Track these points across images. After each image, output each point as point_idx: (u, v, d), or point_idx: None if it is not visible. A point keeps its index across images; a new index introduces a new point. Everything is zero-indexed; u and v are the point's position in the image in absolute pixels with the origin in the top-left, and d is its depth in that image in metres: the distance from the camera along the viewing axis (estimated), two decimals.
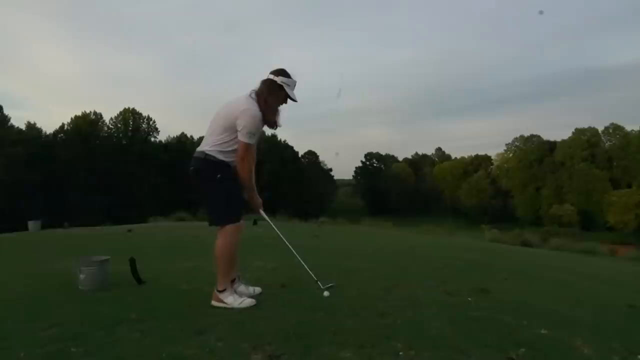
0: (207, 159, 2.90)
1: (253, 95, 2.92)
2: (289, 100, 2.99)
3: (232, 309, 2.85)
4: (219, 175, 2.89)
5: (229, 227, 2.91)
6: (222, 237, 2.92)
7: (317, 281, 3.12)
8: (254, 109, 2.85)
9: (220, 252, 2.92)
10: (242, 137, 2.84)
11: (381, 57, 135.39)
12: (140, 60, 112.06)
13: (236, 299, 2.93)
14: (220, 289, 2.93)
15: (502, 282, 4.18)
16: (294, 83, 2.97)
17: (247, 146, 2.87)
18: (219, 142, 2.90)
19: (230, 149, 2.90)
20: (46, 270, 4.47)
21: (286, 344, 2.23)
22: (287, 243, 3.24)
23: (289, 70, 2.98)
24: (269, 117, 2.94)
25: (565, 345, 2.38)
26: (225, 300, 2.91)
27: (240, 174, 2.93)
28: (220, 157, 2.90)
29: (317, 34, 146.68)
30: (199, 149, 2.97)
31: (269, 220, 3.31)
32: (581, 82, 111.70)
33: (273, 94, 2.91)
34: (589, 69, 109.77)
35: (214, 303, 2.94)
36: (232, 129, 2.86)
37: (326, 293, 3.12)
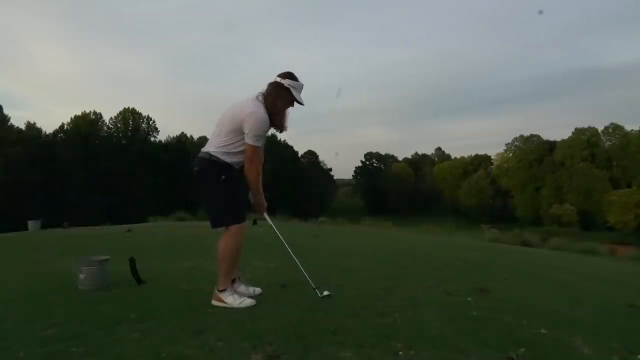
0: (211, 160, 2.90)
1: (260, 97, 2.92)
2: (295, 104, 2.98)
3: (233, 309, 2.85)
4: (223, 177, 2.88)
5: (233, 229, 2.91)
6: (226, 238, 2.93)
7: (315, 288, 3.11)
8: (260, 112, 2.85)
9: (223, 253, 2.92)
10: (249, 140, 2.84)
11: (380, 57, 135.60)
12: (140, 60, 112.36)
13: (236, 299, 2.93)
14: (221, 288, 2.93)
15: (502, 282, 4.18)
16: (301, 86, 2.97)
17: (254, 149, 2.86)
18: (224, 144, 2.90)
19: (235, 151, 2.90)
20: (46, 270, 4.47)
21: (286, 344, 2.23)
22: (289, 249, 3.23)
23: (296, 74, 2.98)
24: (277, 119, 2.95)
25: (565, 345, 2.38)
26: (225, 300, 2.91)
27: (249, 177, 2.93)
28: (225, 158, 2.90)
29: (316, 34, 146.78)
30: (204, 149, 2.98)
31: (273, 225, 3.30)
32: (581, 82, 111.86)
33: (281, 96, 2.91)
34: (589, 68, 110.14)
35: (214, 303, 2.94)
36: (237, 131, 2.86)
37: (326, 292, 3.12)
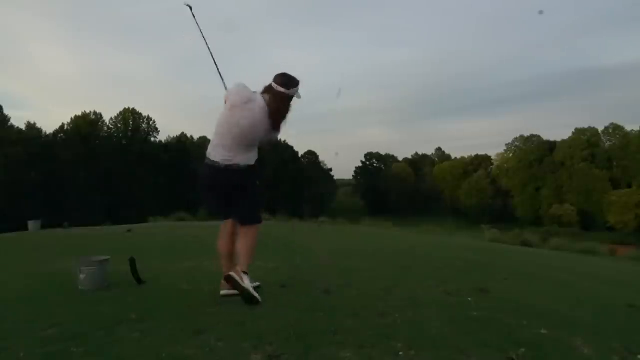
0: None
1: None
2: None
3: (233, 309, 2.86)
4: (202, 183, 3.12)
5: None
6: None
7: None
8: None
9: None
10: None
11: (380, 57, 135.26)
12: (140, 60, 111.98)
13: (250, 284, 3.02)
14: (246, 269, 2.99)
15: (502, 282, 4.17)
16: (296, 84, 3.00)
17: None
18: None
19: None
20: (46, 270, 4.47)
21: (286, 343, 2.23)
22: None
23: (291, 74, 3.02)
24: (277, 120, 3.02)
25: (565, 345, 2.38)
26: (245, 280, 2.91)
27: None
28: (209, 153, 3.03)
29: (316, 34, 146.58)
30: None
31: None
32: (581, 82, 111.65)
33: (280, 100, 2.98)
34: (589, 68, 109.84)
35: (233, 275, 2.92)
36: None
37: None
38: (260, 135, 3.00)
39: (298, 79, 3.00)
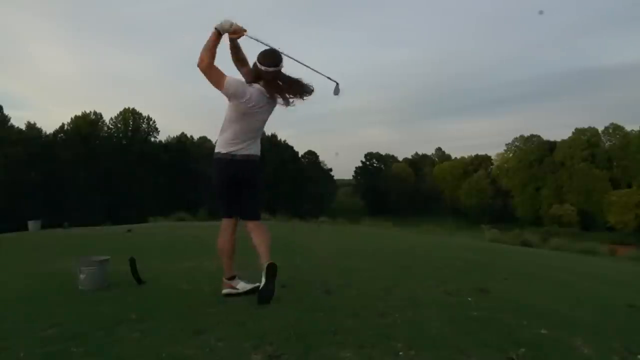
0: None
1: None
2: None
3: (233, 309, 2.86)
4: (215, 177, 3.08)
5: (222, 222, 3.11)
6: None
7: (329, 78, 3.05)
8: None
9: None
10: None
11: (380, 57, 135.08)
12: (140, 60, 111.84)
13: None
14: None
15: (502, 282, 4.17)
16: (280, 57, 2.96)
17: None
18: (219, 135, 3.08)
19: (221, 136, 3.04)
20: (46, 270, 4.47)
21: (286, 343, 2.23)
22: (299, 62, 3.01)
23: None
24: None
25: (565, 345, 2.38)
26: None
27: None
28: (217, 150, 3.05)
29: (316, 34, 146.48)
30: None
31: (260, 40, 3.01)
32: (581, 82, 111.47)
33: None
34: (589, 68, 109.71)
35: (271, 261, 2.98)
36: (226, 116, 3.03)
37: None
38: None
39: (276, 49, 2.96)
